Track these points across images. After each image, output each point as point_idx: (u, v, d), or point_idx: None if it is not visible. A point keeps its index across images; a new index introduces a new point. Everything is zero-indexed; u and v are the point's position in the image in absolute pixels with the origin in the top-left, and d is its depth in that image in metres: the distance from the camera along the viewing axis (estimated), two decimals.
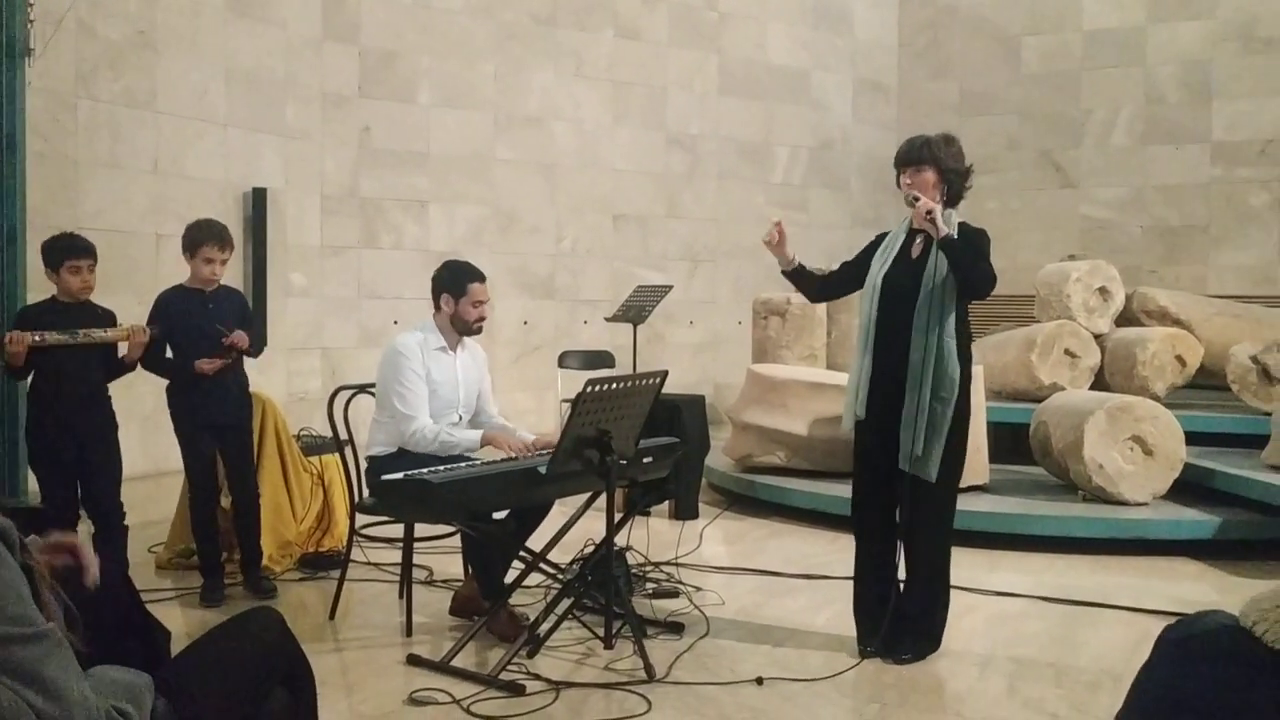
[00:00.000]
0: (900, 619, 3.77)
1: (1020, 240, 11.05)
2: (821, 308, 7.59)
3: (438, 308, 4.29)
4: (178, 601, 4.52)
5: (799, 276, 4.02)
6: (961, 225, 3.75)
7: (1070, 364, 7.03)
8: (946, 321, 3.66)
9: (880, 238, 3.94)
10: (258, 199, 8.23)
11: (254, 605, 2.90)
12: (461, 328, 4.28)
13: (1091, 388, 6.93)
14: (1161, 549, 5.36)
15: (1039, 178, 11.31)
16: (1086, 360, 7.05)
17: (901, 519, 3.80)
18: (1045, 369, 6.98)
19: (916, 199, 3.67)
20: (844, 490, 6.06)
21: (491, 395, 4.47)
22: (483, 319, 4.30)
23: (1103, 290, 7.34)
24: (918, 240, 3.80)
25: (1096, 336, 7.16)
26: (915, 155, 3.77)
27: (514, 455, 4.01)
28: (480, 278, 4.31)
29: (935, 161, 3.74)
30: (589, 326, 10.01)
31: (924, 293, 3.66)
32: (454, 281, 4.25)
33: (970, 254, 3.64)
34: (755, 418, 6.59)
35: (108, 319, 4.34)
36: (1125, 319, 7.45)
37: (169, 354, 4.48)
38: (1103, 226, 11.00)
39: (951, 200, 3.80)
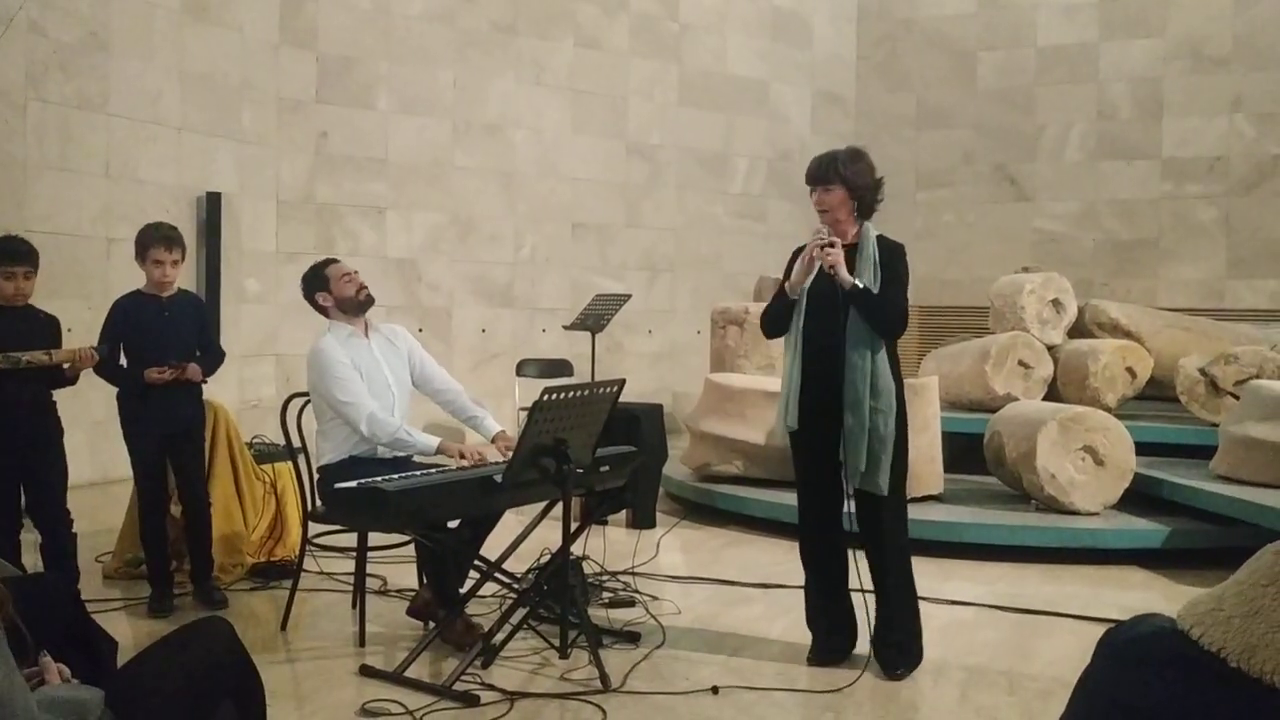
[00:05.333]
0: (883, 634, 3.78)
1: (975, 253, 11.19)
2: None
3: (324, 310, 4.31)
4: (125, 611, 4.44)
5: (791, 309, 3.83)
6: (880, 240, 3.78)
7: (1024, 375, 7.12)
8: (878, 340, 3.68)
9: (800, 249, 3.84)
10: (212, 204, 8.14)
11: (204, 616, 2.87)
12: (352, 307, 4.28)
13: (1044, 398, 7.02)
14: (1112, 558, 5.43)
15: (994, 191, 11.46)
16: (1039, 371, 7.14)
17: (861, 536, 3.81)
18: (999, 380, 7.05)
19: (823, 245, 3.66)
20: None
21: (441, 369, 4.42)
22: (363, 287, 4.31)
23: (1055, 302, 7.45)
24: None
25: (1049, 348, 7.25)
26: (821, 174, 3.76)
27: (466, 465, 3.99)
28: (335, 260, 4.41)
29: (841, 179, 3.74)
30: (547, 335, 10.00)
31: (854, 312, 3.67)
32: (315, 279, 4.32)
33: (877, 303, 3.65)
34: (713, 427, 6.60)
35: (50, 324, 4.24)
36: (1077, 331, 7.56)
37: (123, 360, 4.40)
38: (1056, 240, 11.16)
39: (864, 213, 3.80)
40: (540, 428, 3.53)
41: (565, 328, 8.90)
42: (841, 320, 3.67)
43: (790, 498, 6.03)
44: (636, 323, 10.45)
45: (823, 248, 3.68)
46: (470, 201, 9.80)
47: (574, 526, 3.88)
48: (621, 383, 3.87)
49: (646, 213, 10.78)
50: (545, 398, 3.51)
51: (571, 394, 3.60)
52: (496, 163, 9.90)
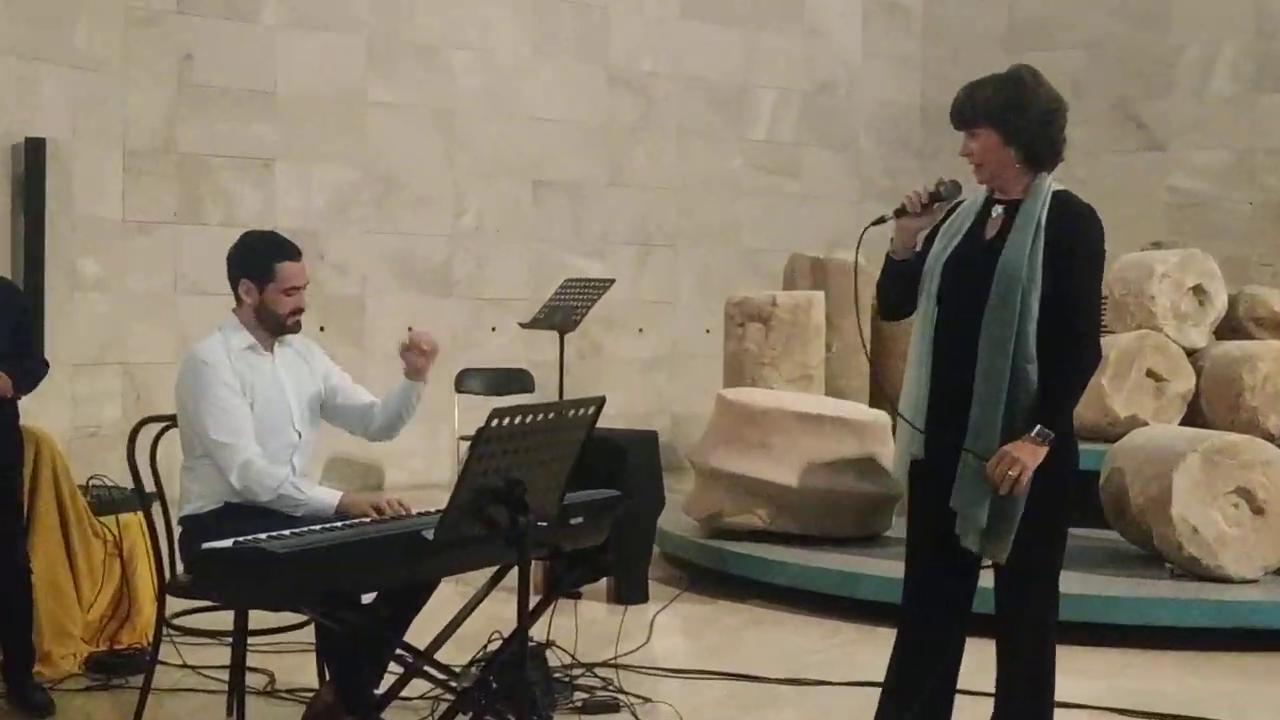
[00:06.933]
0: None
1: None
2: (819, 311, 7.63)
3: (238, 299, 4.29)
4: None
5: (907, 274, 3.73)
6: (1057, 198, 3.57)
7: (1154, 390, 7.15)
8: (1027, 335, 3.48)
9: (952, 211, 3.72)
10: (33, 153, 8.13)
11: None
12: (273, 324, 4.28)
13: (1183, 422, 7.05)
14: (1276, 642, 5.45)
15: (1113, 137, 11.51)
16: (1175, 385, 7.17)
17: (997, 613, 3.73)
18: (1120, 397, 7.08)
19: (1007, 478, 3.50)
20: (845, 563, 6.13)
21: (356, 385, 4.52)
22: (299, 311, 4.30)
23: (1198, 290, 7.48)
24: (995, 212, 3.64)
25: (1189, 353, 7.28)
26: (960, 115, 3.60)
27: (376, 518, 3.99)
28: (293, 254, 4.31)
29: (990, 117, 3.55)
30: (498, 335, 10.01)
31: (995, 293, 3.49)
32: (254, 261, 4.26)
33: (1071, 389, 3.59)
34: (727, 463, 6.61)
35: None
36: (1229, 329, 7.59)
37: None
38: (1199, 203, 11.22)
39: (1038, 161, 3.59)
40: (487, 464, 3.53)
41: (523, 325, 8.92)
42: (984, 303, 3.50)
43: (831, 559, 6.07)
44: (622, 318, 10.48)
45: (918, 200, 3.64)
46: (392, 151, 9.82)
47: (534, 601, 3.89)
48: (600, 402, 3.87)
49: (636, 167, 10.81)
50: (494, 423, 3.51)
51: (531, 418, 3.61)
52: (428, 98, 9.92)
